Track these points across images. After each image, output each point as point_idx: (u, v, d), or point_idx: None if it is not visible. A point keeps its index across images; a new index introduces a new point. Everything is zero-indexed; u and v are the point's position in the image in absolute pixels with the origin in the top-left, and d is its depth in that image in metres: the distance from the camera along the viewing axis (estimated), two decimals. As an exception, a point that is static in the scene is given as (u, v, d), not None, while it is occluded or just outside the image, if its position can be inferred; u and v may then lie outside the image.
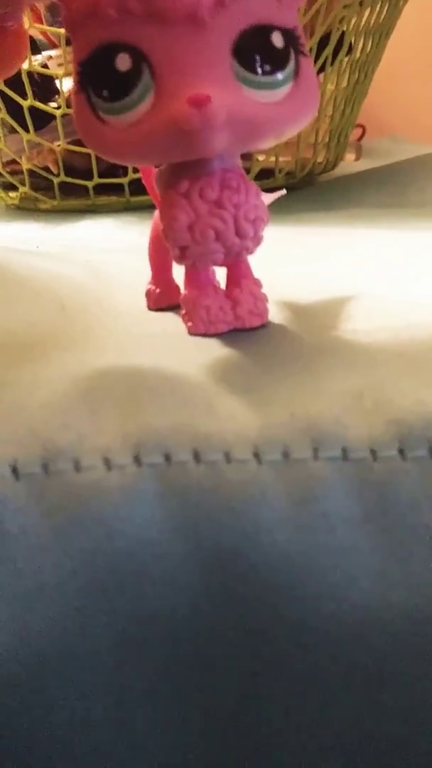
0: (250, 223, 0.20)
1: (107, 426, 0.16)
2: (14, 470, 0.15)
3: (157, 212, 0.24)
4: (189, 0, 0.17)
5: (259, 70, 0.18)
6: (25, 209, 0.52)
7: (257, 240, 0.20)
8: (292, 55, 0.18)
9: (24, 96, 0.46)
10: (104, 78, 0.18)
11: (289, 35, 0.18)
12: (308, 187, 0.53)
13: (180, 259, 0.20)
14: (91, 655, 0.15)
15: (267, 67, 0.18)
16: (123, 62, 0.17)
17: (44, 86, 0.48)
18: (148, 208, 0.48)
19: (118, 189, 0.49)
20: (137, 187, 0.49)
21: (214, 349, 0.19)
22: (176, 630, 0.16)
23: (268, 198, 0.22)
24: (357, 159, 0.61)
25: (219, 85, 0.17)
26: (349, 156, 0.61)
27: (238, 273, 0.21)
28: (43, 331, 0.23)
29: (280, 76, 0.18)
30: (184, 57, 0.17)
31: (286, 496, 0.16)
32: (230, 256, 0.20)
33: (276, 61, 0.18)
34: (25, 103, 0.46)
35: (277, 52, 0.18)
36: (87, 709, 0.15)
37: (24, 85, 0.46)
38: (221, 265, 0.21)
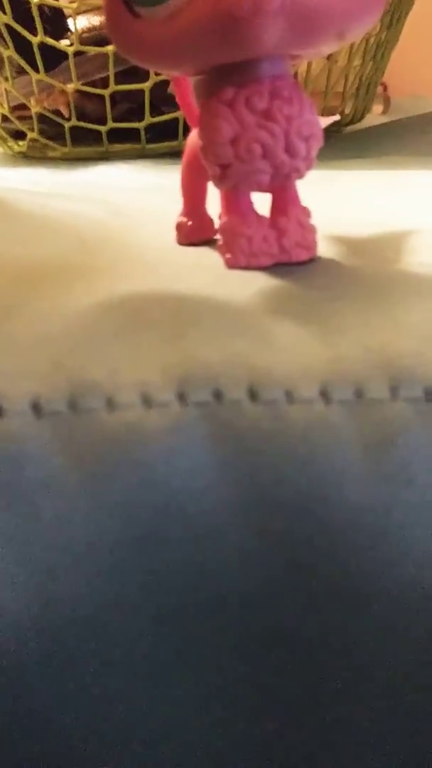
0: (302, 140, 0.17)
1: (146, 357, 0.14)
2: (36, 407, 0.13)
3: (193, 133, 0.21)
4: None
5: None
6: (34, 157, 0.50)
7: (309, 161, 0.17)
8: None
9: (34, 32, 0.43)
10: None
11: None
12: (336, 135, 0.50)
13: (220, 180, 0.18)
14: (125, 623, 0.13)
15: None
16: None
17: (56, 22, 0.45)
18: (165, 156, 0.46)
19: (133, 136, 0.46)
20: (154, 134, 0.46)
21: (261, 282, 0.17)
22: (225, 597, 0.13)
23: (321, 122, 0.19)
24: (384, 112, 0.59)
25: None
26: (377, 108, 0.58)
27: (285, 199, 0.18)
28: (64, 264, 0.20)
29: None
30: None
31: (359, 442, 0.13)
32: (278, 179, 0.17)
33: None
34: (35, 40, 0.43)
35: None
36: (120, 686, 0.13)
37: (34, 20, 0.43)
38: (266, 190, 0.18)
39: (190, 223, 0.22)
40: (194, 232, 0.22)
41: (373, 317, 0.15)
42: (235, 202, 0.18)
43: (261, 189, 0.18)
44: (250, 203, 0.19)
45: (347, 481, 0.13)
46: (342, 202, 0.27)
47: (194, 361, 0.13)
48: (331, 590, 0.13)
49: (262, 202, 0.19)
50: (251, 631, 0.13)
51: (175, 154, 0.45)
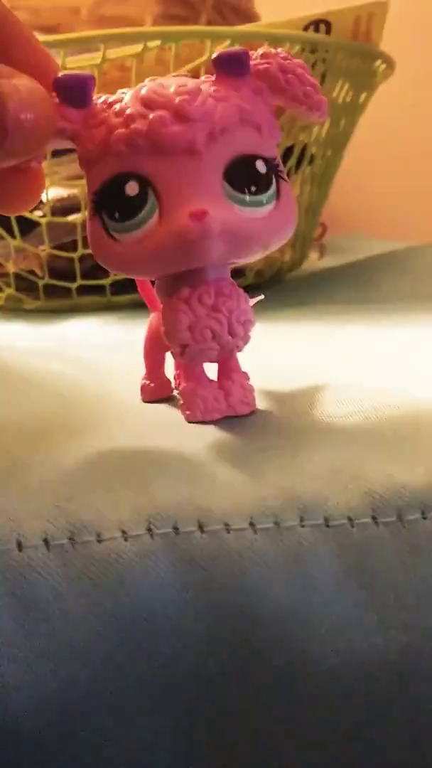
0: (241, 325, 0.23)
1: (122, 502, 0.19)
2: (45, 542, 0.18)
3: (153, 315, 0.27)
4: (187, 135, 0.21)
5: (247, 191, 0.21)
6: (9, 309, 0.56)
7: (246, 339, 0.23)
8: (274, 180, 0.22)
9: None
10: (116, 202, 0.21)
11: (270, 163, 0.22)
12: (277, 285, 0.57)
13: (180, 356, 0.23)
14: (116, 702, 0.17)
15: (253, 189, 0.21)
16: (131, 188, 0.21)
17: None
18: (128, 307, 0.52)
19: (99, 289, 0.53)
20: (117, 288, 0.53)
21: (209, 434, 0.22)
22: (189, 679, 0.18)
23: (250, 302, 0.25)
24: (321, 258, 0.66)
25: (214, 203, 0.20)
26: (313, 255, 0.66)
27: (229, 367, 0.24)
28: (50, 421, 0.26)
29: (263, 196, 0.21)
30: (183, 181, 0.21)
31: (279, 559, 0.18)
32: (223, 353, 0.23)
33: (260, 184, 0.21)
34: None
35: (261, 177, 0.21)
36: (114, 749, 0.17)
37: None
38: (214, 361, 0.24)
39: (152, 384, 0.27)
40: (155, 391, 0.27)
41: (286, 463, 0.20)
42: (192, 371, 0.24)
43: (211, 361, 0.24)
44: (203, 371, 0.24)
45: (272, 589, 0.18)
46: (275, 357, 0.33)
47: (158, 503, 0.19)
48: (262, 671, 0.18)
49: (210, 369, 0.25)
50: (211, 701, 0.18)
51: (136, 305, 0.52)
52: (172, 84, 0.21)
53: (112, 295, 0.52)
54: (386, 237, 0.88)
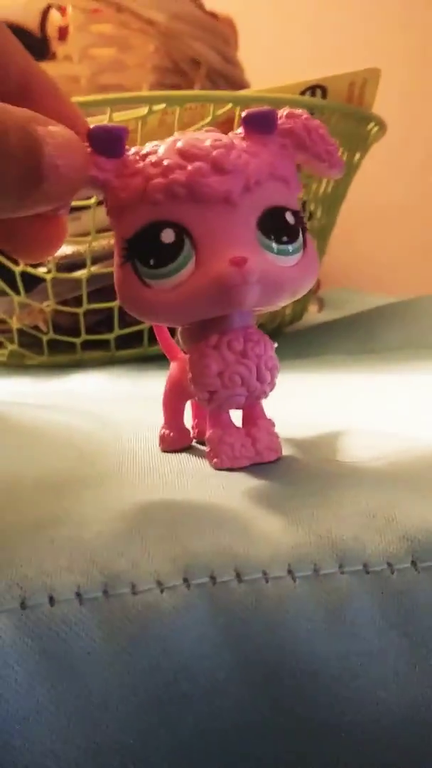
0: (268, 371, 0.23)
1: (156, 552, 0.18)
2: (78, 596, 0.17)
3: (173, 364, 0.27)
4: (224, 186, 0.21)
5: (277, 241, 0.22)
6: (12, 365, 0.55)
7: (273, 385, 0.23)
8: (300, 231, 0.22)
9: (16, 262, 0.50)
10: (151, 249, 0.21)
11: (297, 215, 0.22)
12: (278, 337, 0.57)
13: (208, 403, 0.23)
14: (151, 762, 0.17)
15: (284, 238, 0.22)
16: (167, 236, 0.21)
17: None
18: (132, 361, 0.52)
19: (103, 344, 0.53)
20: (121, 342, 0.53)
21: (238, 481, 0.22)
22: (228, 736, 0.17)
23: None
24: (320, 310, 0.67)
25: (250, 250, 0.21)
26: (312, 308, 0.66)
27: (255, 414, 0.24)
28: (69, 475, 0.25)
29: (292, 246, 0.22)
30: (220, 229, 0.21)
31: (318, 608, 0.18)
32: (251, 399, 0.23)
33: (290, 234, 0.22)
34: (17, 269, 0.50)
35: (290, 227, 0.22)
36: None
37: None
38: (241, 407, 0.24)
39: (171, 434, 0.27)
40: (175, 441, 0.27)
41: (319, 508, 0.20)
42: (219, 418, 0.24)
43: (238, 407, 0.24)
44: (230, 418, 0.24)
45: (311, 639, 0.17)
46: (285, 404, 0.33)
47: (193, 553, 0.18)
48: (304, 726, 0.17)
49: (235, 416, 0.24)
50: (251, 762, 0.17)
51: (140, 359, 0.52)
52: (207, 138, 0.22)
53: (117, 350, 0.52)
54: (372, 290, 0.89)
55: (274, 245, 0.21)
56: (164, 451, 0.27)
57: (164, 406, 0.27)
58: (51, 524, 0.20)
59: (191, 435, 0.28)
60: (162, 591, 0.17)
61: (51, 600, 0.17)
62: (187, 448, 0.27)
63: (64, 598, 0.17)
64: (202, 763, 0.17)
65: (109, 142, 0.22)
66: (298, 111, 0.23)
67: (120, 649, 0.17)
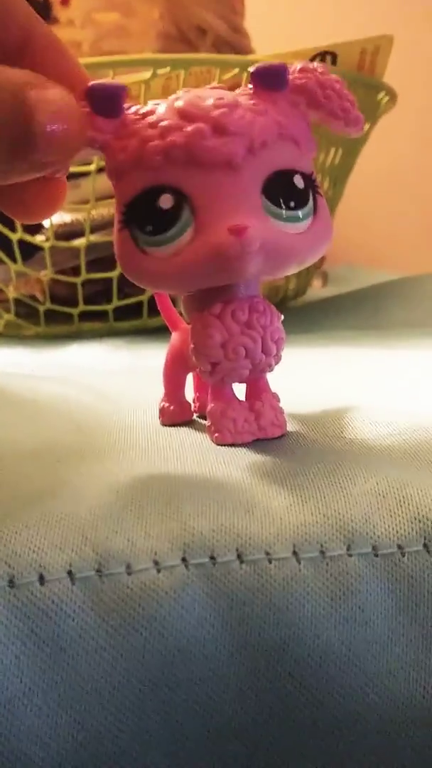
0: (274, 343, 0.22)
1: (154, 530, 0.17)
2: (70, 574, 0.16)
3: (174, 335, 0.26)
4: (225, 149, 0.20)
5: (285, 206, 0.20)
6: (8, 336, 0.54)
7: (278, 358, 0.22)
8: (311, 195, 0.21)
9: (14, 229, 0.49)
10: (148, 215, 0.20)
11: (308, 178, 0.21)
12: (281, 311, 0.56)
13: (210, 375, 0.22)
14: (145, 751, 0.16)
15: (291, 204, 0.20)
16: (165, 201, 0.20)
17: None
18: (130, 333, 0.51)
19: (101, 315, 0.51)
20: (120, 314, 0.51)
21: (241, 457, 0.21)
22: (226, 723, 0.16)
23: None
24: (324, 285, 0.65)
25: (252, 218, 0.19)
26: (316, 282, 0.65)
27: (259, 388, 0.23)
28: (66, 447, 0.24)
29: (301, 212, 0.20)
30: (220, 195, 0.20)
31: (324, 591, 0.17)
32: (255, 372, 0.22)
33: (298, 199, 0.20)
34: (14, 236, 0.49)
35: (299, 192, 0.20)
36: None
37: (13, 219, 0.49)
38: (245, 381, 0.23)
39: (171, 407, 0.26)
40: (176, 415, 0.26)
41: (326, 487, 0.18)
42: (221, 392, 0.23)
43: (242, 380, 0.23)
44: (233, 392, 0.23)
45: (316, 624, 0.16)
46: (291, 379, 0.32)
47: (193, 531, 0.17)
48: (309, 717, 0.16)
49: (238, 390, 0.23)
50: (248, 752, 0.16)
51: (139, 331, 0.51)
52: (209, 96, 0.20)
53: (115, 321, 0.51)
54: (378, 267, 0.87)
55: (281, 211, 0.20)
56: (164, 424, 0.26)
57: (165, 378, 0.26)
58: (44, 499, 0.19)
59: (192, 409, 0.27)
60: (159, 571, 0.16)
61: (41, 578, 0.16)
62: (188, 423, 0.26)
63: (55, 577, 0.16)
64: (197, 751, 0.16)
65: (107, 101, 0.20)
66: (312, 65, 0.21)
67: (113, 631, 0.16)
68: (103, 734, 0.16)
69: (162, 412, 0.26)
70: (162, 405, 0.26)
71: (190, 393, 0.27)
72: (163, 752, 0.16)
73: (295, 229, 0.20)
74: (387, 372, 0.34)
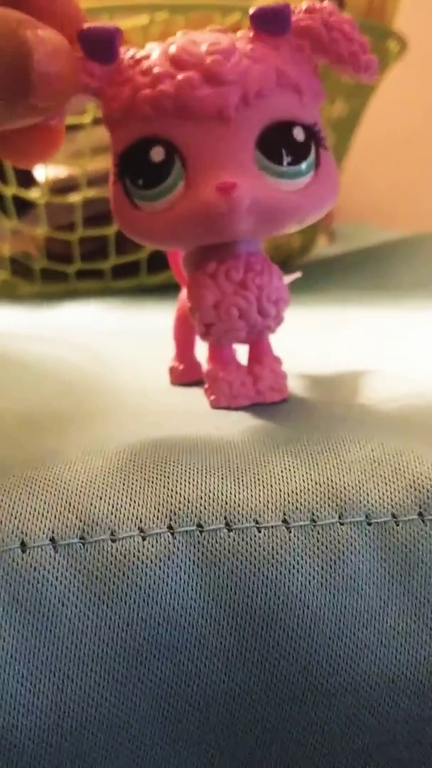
0: (272, 304, 0.21)
1: (140, 496, 0.17)
2: (53, 541, 0.16)
3: (183, 292, 0.25)
4: (217, 99, 0.18)
5: (281, 161, 0.19)
6: (3, 295, 0.53)
7: (279, 320, 0.21)
8: (313, 148, 0.19)
9: (7, 183, 0.48)
10: (140, 168, 0.19)
11: (309, 130, 0.19)
12: (286, 271, 0.55)
13: (205, 336, 0.21)
14: (129, 721, 0.15)
15: (288, 158, 0.19)
16: (157, 154, 0.19)
17: (24, 174, 0.50)
18: (127, 292, 0.50)
19: (98, 274, 0.50)
20: (117, 272, 0.51)
21: (236, 422, 0.20)
22: (211, 694, 0.16)
23: (285, 279, 0.23)
24: (330, 243, 0.64)
25: (244, 174, 0.18)
26: (323, 240, 0.64)
27: (260, 350, 0.22)
28: (55, 411, 0.23)
29: (300, 166, 0.19)
30: (212, 149, 0.19)
31: (315, 560, 0.16)
32: (252, 334, 0.21)
33: (297, 153, 0.19)
34: (8, 191, 0.48)
35: (298, 145, 0.19)
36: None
37: (6, 173, 0.47)
38: (243, 342, 0.22)
39: (181, 366, 0.25)
40: (185, 374, 0.25)
41: (321, 454, 0.18)
42: (218, 353, 0.22)
43: (239, 342, 0.22)
44: (231, 353, 0.22)
45: (307, 593, 0.16)
46: (295, 341, 0.31)
47: (180, 498, 0.17)
48: (297, 687, 0.16)
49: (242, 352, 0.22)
50: (233, 724, 0.16)
51: (137, 291, 0.50)
52: (204, 41, 0.19)
53: (112, 280, 0.50)
54: (386, 225, 0.86)
55: (276, 167, 0.19)
56: (173, 384, 0.25)
57: (174, 336, 0.25)
58: (28, 464, 0.18)
59: (203, 369, 0.26)
60: (144, 539, 0.16)
61: (23, 545, 0.16)
62: (198, 383, 0.25)
63: (37, 544, 0.16)
64: (181, 722, 0.16)
65: (100, 45, 0.19)
66: (320, 4, 0.20)
67: (96, 599, 0.16)
68: (86, 701, 0.15)
69: (171, 371, 0.26)
70: (171, 364, 0.25)
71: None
72: (147, 720, 0.16)
73: (293, 185, 0.19)
74: (393, 334, 0.33)
